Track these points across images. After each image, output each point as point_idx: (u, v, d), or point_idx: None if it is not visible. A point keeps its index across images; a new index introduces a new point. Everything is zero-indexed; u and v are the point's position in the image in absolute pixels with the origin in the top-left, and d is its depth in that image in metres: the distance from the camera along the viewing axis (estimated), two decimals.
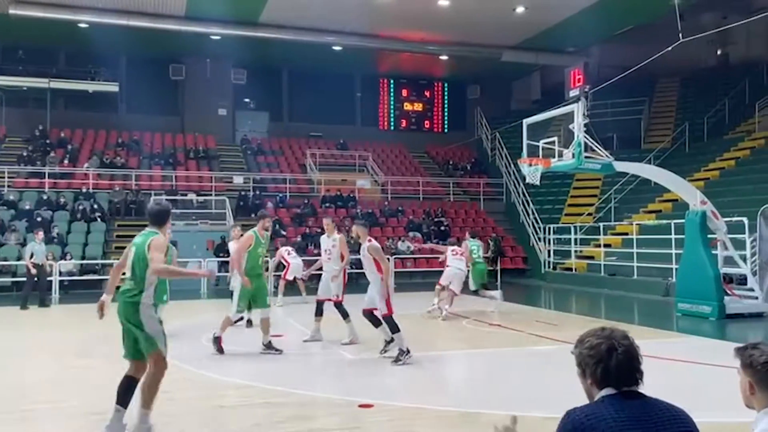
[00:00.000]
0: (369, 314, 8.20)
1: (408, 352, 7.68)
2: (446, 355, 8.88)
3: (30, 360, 8.38)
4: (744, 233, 13.68)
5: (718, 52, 28.34)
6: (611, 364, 2.11)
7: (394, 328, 7.75)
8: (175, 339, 9.92)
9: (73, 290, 17.24)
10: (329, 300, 9.26)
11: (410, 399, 6.14)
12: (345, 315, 9.13)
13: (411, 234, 22.12)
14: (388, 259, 19.78)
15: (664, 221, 16.99)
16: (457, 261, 12.20)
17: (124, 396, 5.00)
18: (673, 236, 15.38)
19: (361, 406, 5.89)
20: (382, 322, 8.01)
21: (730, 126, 23.77)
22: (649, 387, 2.18)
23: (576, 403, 2.18)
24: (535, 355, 8.73)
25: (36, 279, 14.06)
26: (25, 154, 22.62)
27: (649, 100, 26.95)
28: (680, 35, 12.96)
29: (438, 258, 13.61)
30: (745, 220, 13.57)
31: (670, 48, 13.53)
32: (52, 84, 24.40)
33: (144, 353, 4.99)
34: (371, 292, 8.04)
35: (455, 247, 12.76)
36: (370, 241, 8.16)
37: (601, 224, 20.05)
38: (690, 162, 21.72)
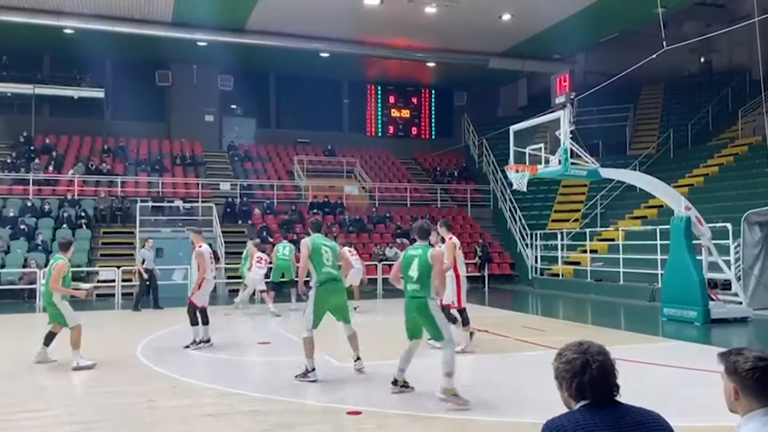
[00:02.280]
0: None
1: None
2: (434, 361, 8.86)
3: (12, 368, 8.27)
4: (728, 239, 13.84)
5: (702, 60, 28.69)
6: (585, 379, 2.18)
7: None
8: (159, 346, 9.87)
9: None
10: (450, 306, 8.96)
11: (399, 406, 6.12)
12: (465, 322, 9.08)
13: (399, 240, 22.13)
14: (375, 265, 19.81)
15: (650, 227, 17.14)
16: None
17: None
18: (658, 242, 15.51)
19: (349, 413, 5.87)
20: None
21: (714, 133, 24.04)
22: (635, 391, 2.21)
23: (563, 408, 2.22)
24: (522, 361, 8.75)
25: (148, 283, 15.20)
26: (9, 160, 22.37)
27: (634, 107, 27.21)
28: (664, 43, 13.08)
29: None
30: (728, 225, 13.73)
31: (654, 55, 13.66)
32: (37, 90, 24.22)
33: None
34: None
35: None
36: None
37: (587, 230, 20.18)
38: (674, 168, 21.94)
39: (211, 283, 9.90)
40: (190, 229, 10.26)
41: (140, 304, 15.07)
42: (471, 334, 9.11)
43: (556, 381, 2.27)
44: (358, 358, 7.59)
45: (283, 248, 14.94)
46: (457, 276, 8.95)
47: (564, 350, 2.29)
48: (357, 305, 13.61)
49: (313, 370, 7.19)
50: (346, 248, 14.02)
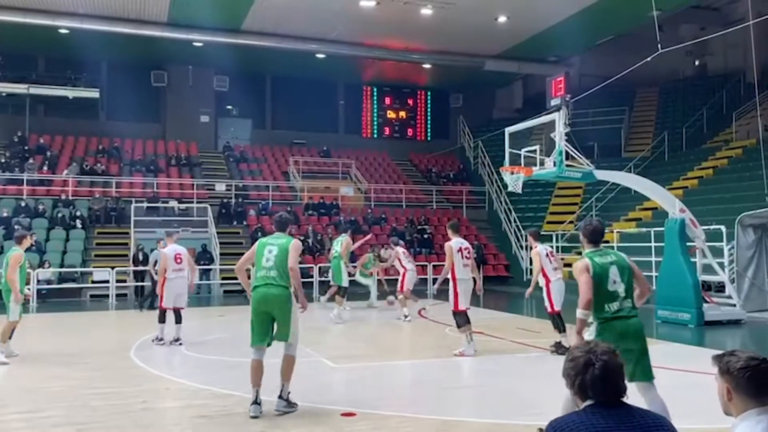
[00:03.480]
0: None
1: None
2: (428, 363, 8.87)
3: (5, 369, 8.23)
4: (722, 241, 13.88)
5: (696, 63, 28.81)
6: (586, 378, 2.19)
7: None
8: (153, 348, 9.84)
9: (51, 299, 16.98)
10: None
11: (393, 407, 6.12)
12: (458, 324, 9.00)
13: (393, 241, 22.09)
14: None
15: (644, 229, 17.18)
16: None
17: None
18: (652, 244, 15.54)
19: (343, 414, 5.86)
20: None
21: (708, 135, 24.13)
22: (629, 393, 2.21)
23: (557, 409, 2.22)
24: (517, 363, 8.75)
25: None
26: (3, 160, 22.27)
27: (629, 109, 27.28)
28: (659, 46, 13.12)
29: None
30: (722, 228, 13.77)
31: (649, 58, 13.71)
32: (32, 90, 24.09)
33: None
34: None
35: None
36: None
37: None
38: (669, 171, 22.01)
39: (175, 283, 10.06)
40: (166, 231, 11.04)
41: (146, 304, 14.70)
42: (469, 335, 8.91)
43: (564, 379, 2.29)
44: (280, 397, 5.96)
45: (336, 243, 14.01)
46: (454, 279, 8.82)
47: (573, 348, 2.32)
48: (408, 314, 12.54)
49: (254, 402, 5.86)
50: (399, 249, 13.74)
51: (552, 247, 11.49)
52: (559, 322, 9.07)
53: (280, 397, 5.93)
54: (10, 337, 8.79)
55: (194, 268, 10.55)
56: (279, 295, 5.93)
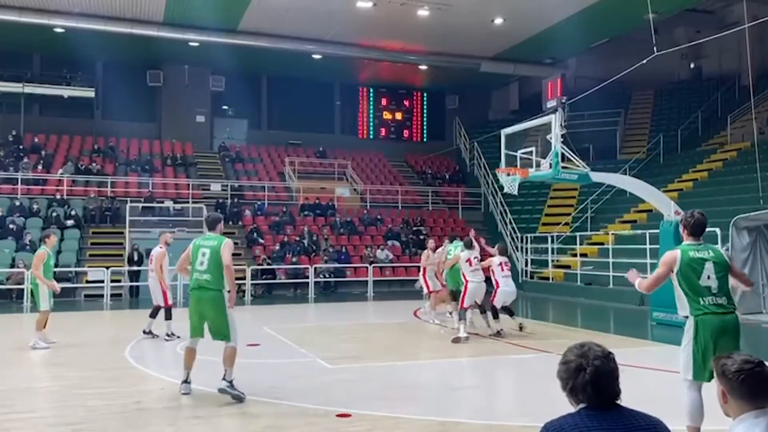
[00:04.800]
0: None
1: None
2: (424, 363, 8.88)
3: (1, 369, 8.20)
4: (717, 244, 13.91)
5: (691, 66, 28.92)
6: (578, 382, 2.20)
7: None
8: (148, 348, 9.82)
9: None
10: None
11: (388, 408, 6.12)
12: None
13: (390, 243, 22.13)
14: (366, 267, 19.80)
15: (640, 231, 17.22)
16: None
17: None
18: (648, 246, 15.58)
19: (338, 415, 5.86)
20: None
21: (703, 138, 24.22)
22: (624, 395, 2.22)
23: (552, 410, 2.23)
24: (512, 364, 8.76)
25: None
26: None
27: (625, 111, 27.36)
28: (655, 48, 13.16)
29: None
30: (717, 230, 13.80)
31: (644, 61, 13.74)
32: (27, 88, 24.03)
33: None
34: None
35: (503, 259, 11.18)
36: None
37: (577, 234, 20.25)
38: (664, 173, 22.07)
39: (149, 283, 11.00)
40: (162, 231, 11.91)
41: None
42: (464, 324, 10.11)
43: (559, 382, 2.30)
44: (223, 379, 6.35)
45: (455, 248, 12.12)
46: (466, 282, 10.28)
47: (567, 351, 2.31)
48: (522, 323, 11.38)
49: (184, 382, 6.57)
50: (472, 254, 10.72)
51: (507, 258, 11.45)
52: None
53: (224, 378, 6.39)
54: (44, 326, 9.70)
55: (160, 269, 10.57)
56: (212, 299, 6.38)
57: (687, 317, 4.64)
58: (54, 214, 19.77)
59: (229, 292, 6.42)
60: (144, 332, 10.60)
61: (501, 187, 15.03)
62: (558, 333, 11.58)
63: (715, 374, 2.33)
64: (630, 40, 21.10)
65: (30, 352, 9.40)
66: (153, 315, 10.63)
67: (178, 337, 10.13)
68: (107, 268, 17.34)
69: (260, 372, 8.12)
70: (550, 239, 20.57)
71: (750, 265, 13.79)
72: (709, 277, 4.56)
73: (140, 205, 20.81)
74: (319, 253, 20.75)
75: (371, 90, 30.33)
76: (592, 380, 2.17)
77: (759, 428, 2.19)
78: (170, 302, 10.65)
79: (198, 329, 6.55)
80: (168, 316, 10.48)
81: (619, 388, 2.22)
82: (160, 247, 10.76)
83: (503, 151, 13.35)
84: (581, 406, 2.20)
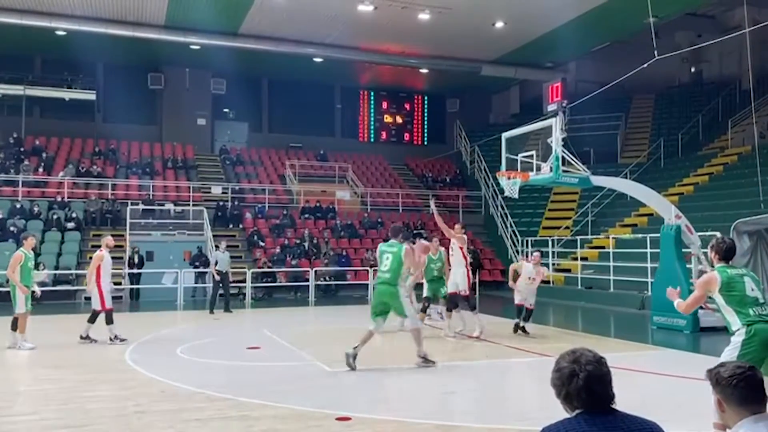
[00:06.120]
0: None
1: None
2: (425, 367, 8.85)
3: (0, 371, 8.20)
4: None
5: (692, 70, 28.94)
6: (571, 389, 2.19)
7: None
8: (148, 350, 9.81)
9: (45, 301, 16.87)
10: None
11: (388, 412, 6.11)
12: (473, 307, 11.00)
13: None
14: (367, 270, 19.78)
15: (640, 235, 17.21)
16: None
17: None
18: (648, 250, 15.57)
19: (338, 419, 5.84)
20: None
21: (704, 142, 24.23)
22: (625, 399, 2.22)
23: (553, 414, 2.22)
24: (513, 368, 8.75)
25: (220, 285, 15.13)
26: None
27: (625, 115, 27.38)
28: (655, 53, 13.18)
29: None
30: (718, 234, 13.77)
31: (645, 65, 13.76)
32: (28, 91, 24.05)
33: None
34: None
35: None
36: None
37: (578, 238, 20.25)
38: (665, 177, 22.08)
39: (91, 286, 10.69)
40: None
41: (214, 306, 14.92)
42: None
43: (552, 389, 2.30)
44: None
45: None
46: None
47: (560, 358, 2.30)
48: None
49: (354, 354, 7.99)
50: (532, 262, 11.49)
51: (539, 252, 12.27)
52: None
53: (418, 355, 8.31)
54: (24, 330, 9.73)
55: (96, 274, 10.42)
56: (392, 293, 8.08)
57: (734, 332, 4.72)
58: (54, 216, 19.77)
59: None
60: (81, 337, 10.38)
61: (501, 191, 15.01)
62: (558, 337, 11.56)
63: (710, 384, 2.33)
64: (631, 45, 21.14)
65: (29, 354, 9.39)
66: (91, 320, 10.39)
67: (124, 339, 10.23)
68: None
69: (261, 375, 8.11)
70: (550, 243, 20.55)
71: (750, 270, 13.76)
72: (753, 289, 4.70)
73: (141, 207, 20.82)
74: (320, 256, 20.74)
75: (372, 93, 30.36)
76: (586, 385, 2.17)
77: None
78: (108, 306, 10.37)
79: (380, 314, 8.08)
80: (109, 320, 10.28)
81: (613, 392, 2.22)
82: (100, 251, 10.50)
83: (504, 154, 13.35)
84: (577, 411, 2.20)
